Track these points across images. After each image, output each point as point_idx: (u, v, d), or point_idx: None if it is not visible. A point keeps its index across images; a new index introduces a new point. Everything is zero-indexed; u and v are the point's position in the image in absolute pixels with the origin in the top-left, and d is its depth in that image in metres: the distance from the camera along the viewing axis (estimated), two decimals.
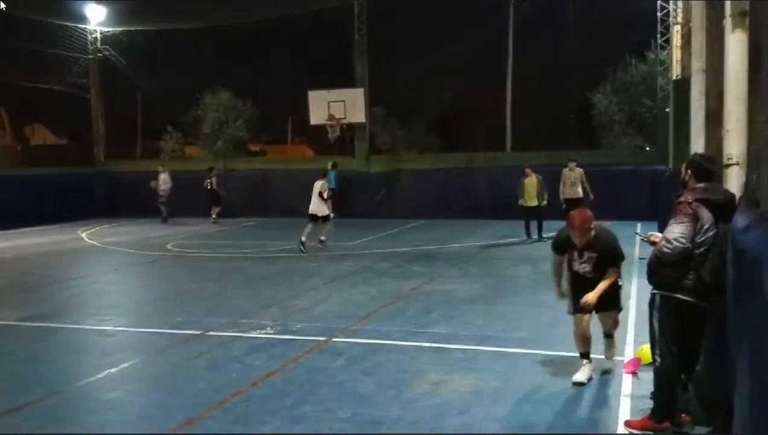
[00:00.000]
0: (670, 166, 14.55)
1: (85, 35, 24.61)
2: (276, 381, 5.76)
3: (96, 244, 16.48)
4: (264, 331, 7.40)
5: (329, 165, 19.23)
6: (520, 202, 14.62)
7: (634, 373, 5.67)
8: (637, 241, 10.93)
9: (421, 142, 30.12)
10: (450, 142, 31.18)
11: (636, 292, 8.87)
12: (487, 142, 28.70)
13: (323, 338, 7.07)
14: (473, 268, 11.76)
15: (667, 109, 17.26)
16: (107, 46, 24.99)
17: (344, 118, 21.21)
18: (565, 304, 5.88)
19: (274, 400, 5.27)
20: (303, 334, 7.26)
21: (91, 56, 24.80)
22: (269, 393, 5.46)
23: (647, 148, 21.11)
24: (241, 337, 7.21)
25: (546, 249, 12.43)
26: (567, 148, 21.27)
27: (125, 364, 6.37)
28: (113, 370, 6.18)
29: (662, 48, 19.13)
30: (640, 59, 22.09)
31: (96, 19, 24.09)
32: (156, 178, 21.17)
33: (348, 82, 22.01)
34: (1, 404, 5.29)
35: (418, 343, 6.80)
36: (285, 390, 5.50)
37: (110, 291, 10.73)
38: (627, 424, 4.60)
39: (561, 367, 5.96)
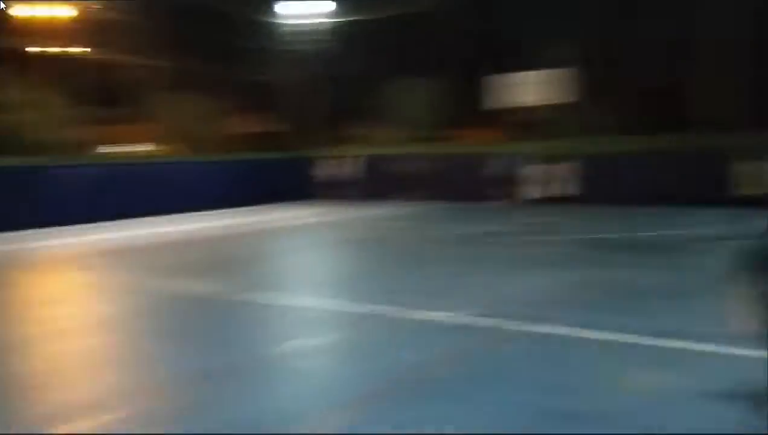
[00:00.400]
0: None
1: (284, 28, 26.32)
2: (457, 364, 5.78)
3: (302, 223, 17.61)
4: (448, 314, 7.39)
5: None
6: None
7: None
8: None
9: (627, 122, 28.09)
10: (659, 121, 28.53)
11: None
12: None
13: (508, 324, 6.91)
14: (677, 256, 10.77)
15: None
16: (322, 37, 26.50)
17: (542, 100, 20.50)
18: None
19: (454, 382, 5.28)
20: (487, 319, 7.14)
21: (290, 48, 26.52)
22: (449, 375, 5.49)
23: None
24: (423, 318, 7.28)
25: None
26: None
27: (316, 338, 6.75)
28: (305, 342, 6.56)
29: None
30: None
31: (318, 11, 25.67)
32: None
33: (541, 63, 21.18)
34: (212, 364, 5.86)
35: (608, 336, 6.40)
36: (465, 374, 5.49)
37: (309, 268, 11.46)
38: None
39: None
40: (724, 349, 5.72)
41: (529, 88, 20.64)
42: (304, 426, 4.49)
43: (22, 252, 13.67)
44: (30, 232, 15.89)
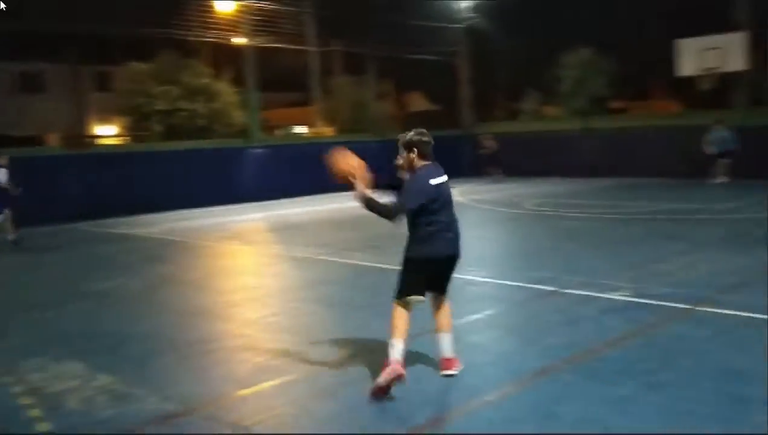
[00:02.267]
0: None
1: (455, 5, 26.35)
2: (631, 344, 5.66)
3: (463, 200, 17.85)
4: (620, 293, 7.26)
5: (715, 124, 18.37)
6: None
7: None
8: None
9: None
10: None
11: None
12: None
13: (686, 306, 6.66)
14: None
15: None
16: (474, 14, 26.41)
17: (720, 67, 19.08)
18: None
19: (630, 363, 5.19)
20: (663, 299, 6.92)
21: (460, 25, 26.51)
22: (624, 355, 5.39)
23: None
24: (596, 296, 7.20)
25: None
26: None
27: (488, 312, 6.91)
28: (478, 316, 6.75)
29: None
30: None
31: None
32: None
33: (724, 27, 19.65)
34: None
35: None
36: (641, 354, 5.37)
37: (476, 244, 11.58)
38: None
39: None
40: None
41: (713, 54, 19.08)
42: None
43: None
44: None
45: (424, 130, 5.09)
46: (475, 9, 26.26)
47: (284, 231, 14.12)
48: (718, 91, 21.13)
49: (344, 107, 30.59)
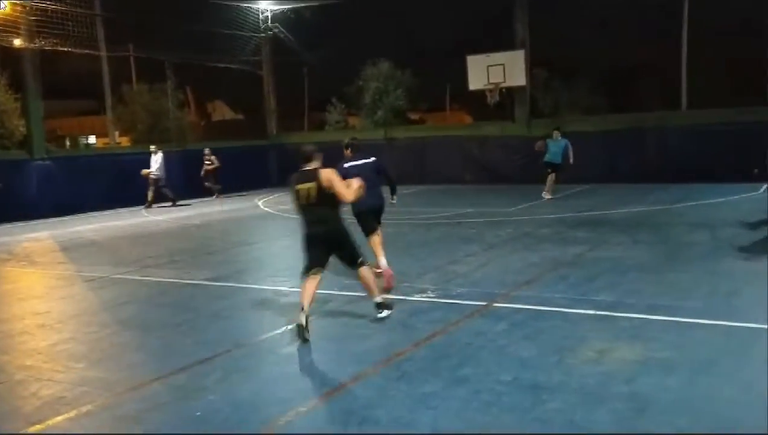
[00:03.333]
0: None
1: (258, 15, 26.12)
2: (437, 343, 5.92)
3: (271, 211, 17.69)
4: (425, 295, 7.60)
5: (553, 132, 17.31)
6: None
7: None
8: None
9: (585, 103, 28.84)
10: (617, 102, 29.55)
11: None
12: (658, 100, 26.85)
13: (484, 303, 7.13)
14: (642, 234, 11.18)
15: None
16: (277, 24, 26.36)
17: (503, 82, 20.82)
18: None
19: (436, 361, 5.43)
20: (463, 299, 7.37)
21: (262, 34, 26.30)
22: (431, 354, 5.63)
23: None
24: (403, 299, 7.46)
25: (728, 212, 11.45)
26: (751, 104, 19.40)
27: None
28: (289, 326, 6.66)
29: None
30: None
31: None
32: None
33: (507, 45, 21.54)
34: (195, 354, 5.93)
35: (582, 311, 6.64)
36: (446, 352, 5.64)
37: (284, 254, 11.51)
38: None
39: (739, 339, 5.58)
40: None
41: (496, 70, 20.79)
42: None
43: None
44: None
45: (356, 137, 9.20)
46: (277, 19, 26.24)
47: (76, 249, 12.97)
48: (503, 104, 23.05)
49: (141, 116, 28.95)
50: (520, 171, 20.37)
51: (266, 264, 10.74)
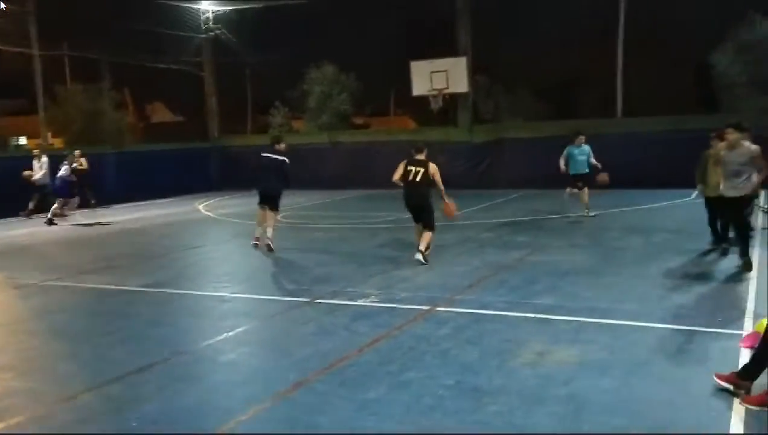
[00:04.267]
0: None
1: (199, 15, 25.69)
2: (381, 348, 5.92)
3: (212, 215, 17.38)
4: (369, 300, 7.59)
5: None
6: (699, 189, 9.95)
7: (752, 348, 5.39)
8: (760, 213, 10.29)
9: (526, 110, 29.44)
10: (557, 109, 30.30)
11: (758, 264, 8.41)
12: (596, 108, 27.64)
13: (427, 307, 7.17)
14: (580, 238, 11.47)
15: None
16: (219, 25, 25.98)
17: (447, 88, 21.05)
18: None
19: (380, 365, 5.42)
20: (407, 303, 7.38)
21: (204, 35, 25.88)
22: (374, 359, 5.62)
23: None
24: (347, 304, 7.44)
25: (661, 218, 11.77)
26: (684, 113, 20.19)
27: (240, 329, 6.74)
28: (230, 333, 6.55)
29: None
30: (765, 15, 20.45)
31: None
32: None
33: (450, 52, 21.79)
34: (131, 362, 5.75)
35: (522, 314, 6.76)
36: (390, 356, 5.64)
37: (226, 259, 11.32)
38: (744, 400, 4.41)
39: (672, 341, 5.77)
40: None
41: (440, 76, 21.02)
42: None
43: None
44: None
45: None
46: (219, 20, 25.87)
47: (4, 255, 12.44)
48: (446, 110, 23.31)
49: (76, 117, 28.02)
50: (463, 176, 20.61)
51: (207, 269, 10.54)
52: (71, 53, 25.32)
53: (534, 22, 29.88)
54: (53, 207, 16.64)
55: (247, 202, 19.29)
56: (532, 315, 6.69)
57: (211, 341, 6.36)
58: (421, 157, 9.68)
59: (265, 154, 11.36)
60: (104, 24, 22.89)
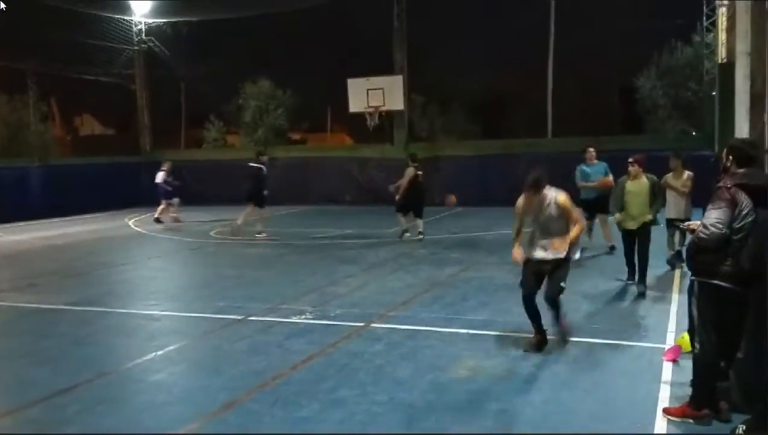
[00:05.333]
0: (716, 151, 14.22)
1: (131, 27, 25.13)
2: (315, 365, 5.87)
3: (142, 231, 16.92)
4: (303, 317, 7.53)
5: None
6: (617, 218, 8.55)
7: (674, 361, 5.61)
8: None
9: (459, 128, 29.97)
10: (489, 128, 30.98)
11: (678, 280, 8.77)
12: (527, 128, 28.42)
13: (361, 324, 7.16)
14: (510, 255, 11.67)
15: (713, 93, 16.84)
16: (151, 38, 25.48)
17: (383, 106, 21.21)
18: None
19: (313, 383, 5.38)
20: (341, 320, 7.36)
21: (136, 47, 25.31)
22: (308, 377, 5.57)
23: (693, 133, 20.61)
24: (281, 322, 7.36)
25: (597, 238, 11.89)
26: (610, 134, 20.95)
27: (170, 347, 6.57)
28: (159, 352, 6.37)
29: (708, 31, 18.62)
30: (686, 42, 21.52)
31: (140, 11, 24.59)
32: None
33: (387, 70, 22.01)
34: (53, 384, 5.52)
35: (455, 330, 6.84)
36: (324, 374, 5.60)
37: (155, 277, 11.02)
38: (666, 411, 4.58)
39: (601, 355, 5.94)
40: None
41: (376, 93, 21.17)
42: None
43: None
44: None
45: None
46: (151, 32, 25.37)
47: None
48: (382, 127, 23.46)
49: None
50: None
51: (136, 287, 10.23)
52: None
53: (467, 42, 30.59)
54: None
55: (185, 217, 18.86)
56: (465, 331, 6.78)
57: (138, 361, 6.17)
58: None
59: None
60: (31, 33, 22.07)
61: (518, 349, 6.14)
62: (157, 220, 17.79)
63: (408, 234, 13.68)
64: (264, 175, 14.96)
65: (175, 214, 17.93)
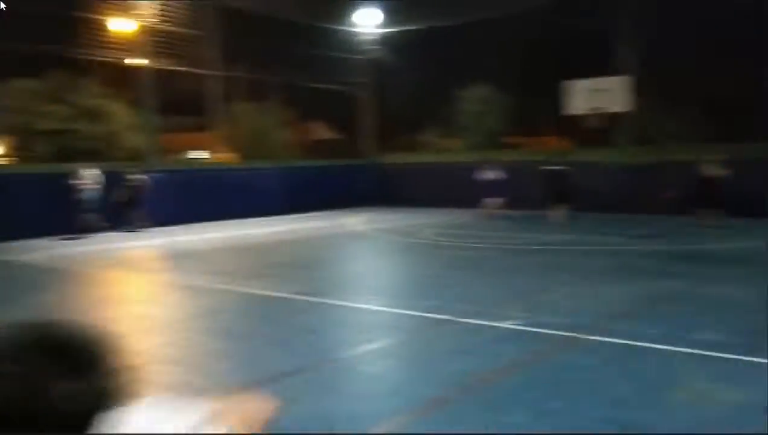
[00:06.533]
0: None
1: (358, 37, 26.72)
2: (524, 372, 5.77)
3: (365, 230, 17.89)
4: (511, 322, 7.41)
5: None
6: None
7: None
8: None
9: (691, 131, 27.51)
10: (726, 130, 28.02)
11: None
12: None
13: (574, 334, 6.88)
14: (756, 269, 10.43)
15: None
16: (377, 46, 26.85)
17: (605, 108, 20.24)
18: None
19: (522, 391, 5.28)
20: (553, 328, 7.12)
21: (363, 57, 26.85)
22: (516, 383, 5.48)
23: None
24: (489, 325, 7.31)
25: None
26: None
27: (383, 341, 6.86)
28: (373, 345, 6.69)
29: None
30: None
31: (369, 22, 26.06)
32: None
33: (609, 70, 20.95)
34: (284, 365, 6.04)
35: (680, 348, 6.27)
36: (533, 382, 5.47)
37: (372, 273, 11.60)
38: None
39: None
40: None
41: (600, 95, 20.25)
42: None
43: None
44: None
45: None
46: (379, 41, 26.73)
47: (177, 258, 13.57)
48: (603, 130, 22.36)
49: (245, 134, 30.16)
50: (618, 198, 19.59)
51: (355, 281, 10.83)
52: (243, 74, 27.28)
53: (704, 37, 27.96)
54: None
55: (401, 218, 19.68)
56: (691, 350, 6.20)
57: (356, 351, 6.53)
58: None
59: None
60: (273, 46, 24.48)
61: (754, 375, 5.48)
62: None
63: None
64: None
65: (495, 210, 19.57)
